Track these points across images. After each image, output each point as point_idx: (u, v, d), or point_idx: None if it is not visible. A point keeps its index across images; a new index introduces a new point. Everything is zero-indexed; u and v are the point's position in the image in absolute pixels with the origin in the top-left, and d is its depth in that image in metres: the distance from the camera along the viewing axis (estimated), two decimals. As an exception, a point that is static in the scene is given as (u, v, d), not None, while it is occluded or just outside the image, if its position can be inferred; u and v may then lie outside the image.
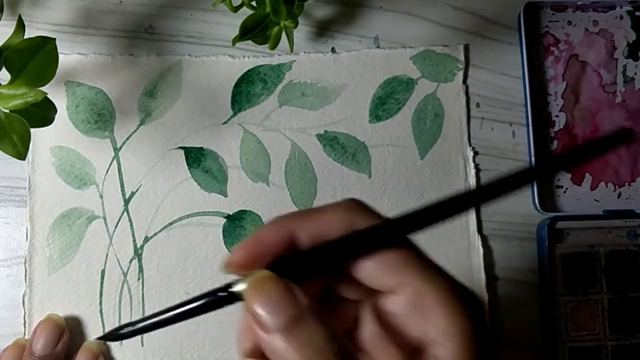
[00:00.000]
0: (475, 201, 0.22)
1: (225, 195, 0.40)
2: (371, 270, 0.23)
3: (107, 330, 0.38)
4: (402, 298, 0.23)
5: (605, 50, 0.43)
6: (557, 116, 0.43)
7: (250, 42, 0.35)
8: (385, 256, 0.23)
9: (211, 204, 0.40)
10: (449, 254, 0.40)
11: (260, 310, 0.21)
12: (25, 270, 0.39)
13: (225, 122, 0.41)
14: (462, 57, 0.42)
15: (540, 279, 0.41)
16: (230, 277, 0.23)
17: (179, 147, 0.40)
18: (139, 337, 0.39)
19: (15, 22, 0.34)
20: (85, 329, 0.39)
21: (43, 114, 0.34)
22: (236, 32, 0.34)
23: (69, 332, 0.38)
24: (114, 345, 0.39)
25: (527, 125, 0.42)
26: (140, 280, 0.39)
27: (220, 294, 0.22)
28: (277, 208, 0.40)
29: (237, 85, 0.41)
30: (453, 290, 0.23)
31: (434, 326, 0.22)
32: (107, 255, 0.39)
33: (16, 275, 0.39)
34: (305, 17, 0.41)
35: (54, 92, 0.39)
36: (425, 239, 0.40)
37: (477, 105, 0.42)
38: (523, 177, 0.22)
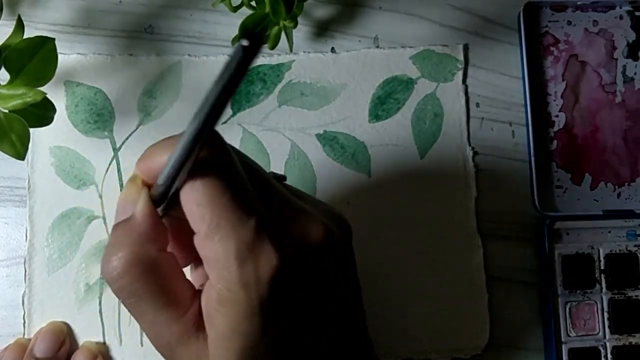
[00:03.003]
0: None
1: (225, 195, 0.40)
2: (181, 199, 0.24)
3: (107, 330, 0.38)
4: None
5: (605, 50, 0.43)
6: (557, 116, 0.43)
7: (249, 42, 0.35)
8: (191, 189, 0.23)
9: (211, 204, 0.40)
10: (449, 254, 0.40)
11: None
12: (25, 270, 0.39)
13: (224, 122, 0.41)
14: (461, 57, 0.42)
15: (540, 279, 0.41)
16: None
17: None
18: (138, 337, 0.39)
19: (14, 22, 0.34)
20: (84, 329, 0.39)
21: (42, 113, 0.34)
22: (236, 32, 0.34)
23: (70, 338, 0.38)
24: (113, 346, 0.39)
25: (527, 125, 0.41)
26: (140, 280, 0.39)
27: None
28: (277, 208, 0.40)
29: (237, 85, 0.41)
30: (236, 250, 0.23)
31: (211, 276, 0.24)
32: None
33: (15, 275, 0.39)
34: (305, 17, 0.41)
35: (53, 92, 0.39)
36: (425, 239, 0.40)
37: (477, 105, 0.42)
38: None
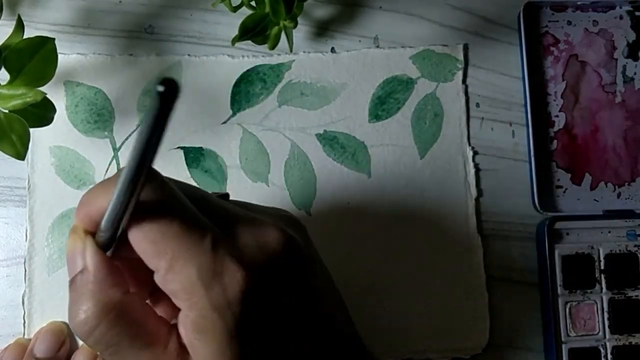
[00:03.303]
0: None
1: (225, 195, 0.40)
2: (133, 242, 0.24)
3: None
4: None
5: (605, 50, 0.43)
6: (557, 116, 0.43)
7: (249, 42, 0.35)
8: (143, 230, 0.23)
9: (211, 204, 0.40)
10: (448, 254, 0.40)
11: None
12: (25, 270, 0.39)
13: (224, 122, 0.41)
14: (461, 57, 0.42)
15: (540, 279, 0.41)
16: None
17: (178, 147, 0.40)
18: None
19: (14, 22, 0.34)
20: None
21: (42, 113, 0.34)
22: (236, 32, 0.34)
23: (70, 338, 0.38)
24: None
25: (527, 125, 0.41)
26: (140, 280, 0.39)
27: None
28: (277, 208, 0.40)
29: (237, 85, 0.41)
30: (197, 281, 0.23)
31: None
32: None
33: (16, 275, 0.39)
34: (305, 17, 0.41)
35: (53, 92, 0.39)
36: (425, 239, 0.40)
37: (477, 105, 0.42)
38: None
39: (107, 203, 0.23)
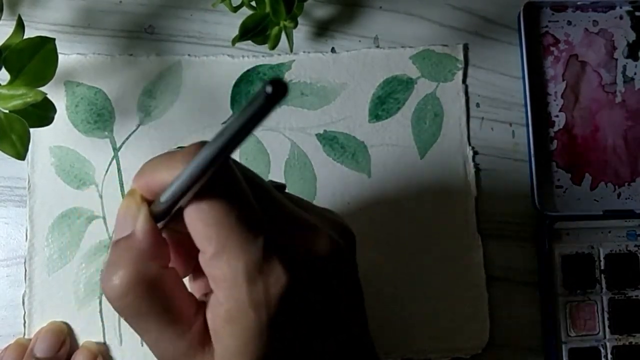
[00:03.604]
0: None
1: (225, 195, 0.40)
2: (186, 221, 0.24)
3: (107, 330, 0.38)
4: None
5: (605, 50, 0.43)
6: (557, 116, 0.43)
7: (250, 42, 0.35)
8: (196, 210, 0.23)
9: (211, 204, 0.40)
10: (448, 253, 0.40)
11: None
12: (25, 270, 0.39)
13: (224, 122, 0.41)
14: (461, 57, 0.42)
15: (540, 279, 0.41)
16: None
17: (178, 147, 0.40)
18: (138, 337, 0.39)
19: (14, 22, 0.34)
20: (84, 329, 0.39)
21: (42, 114, 0.34)
22: (236, 32, 0.34)
23: (70, 338, 0.38)
24: (113, 346, 0.39)
25: (527, 125, 0.41)
26: (140, 280, 0.39)
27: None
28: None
29: (237, 85, 0.41)
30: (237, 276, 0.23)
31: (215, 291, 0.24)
32: (107, 255, 0.39)
33: (16, 275, 0.39)
34: (305, 17, 0.41)
35: (54, 92, 0.39)
36: (425, 239, 0.40)
37: (477, 105, 0.42)
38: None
39: (170, 178, 0.23)
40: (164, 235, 0.25)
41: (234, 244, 0.23)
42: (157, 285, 0.24)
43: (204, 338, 0.25)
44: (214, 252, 0.23)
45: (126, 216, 0.25)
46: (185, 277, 0.28)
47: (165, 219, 0.25)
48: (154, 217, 0.24)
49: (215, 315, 0.24)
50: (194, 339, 0.24)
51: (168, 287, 0.25)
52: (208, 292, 0.25)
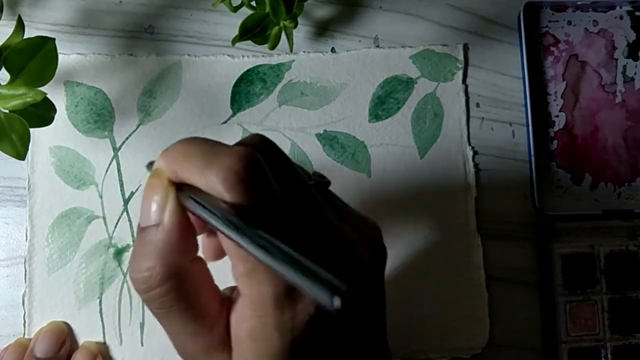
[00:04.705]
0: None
1: (225, 195, 0.40)
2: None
3: (107, 330, 0.38)
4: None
5: (605, 50, 0.43)
6: (557, 116, 0.43)
7: (249, 42, 0.35)
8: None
9: (211, 204, 0.40)
10: (448, 253, 0.40)
11: None
12: (25, 270, 0.39)
13: (224, 122, 0.41)
14: (461, 57, 0.42)
15: (540, 279, 0.41)
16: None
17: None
18: (138, 337, 0.39)
19: (14, 22, 0.34)
20: (84, 329, 0.39)
21: (42, 114, 0.34)
22: (236, 32, 0.34)
23: (70, 338, 0.38)
24: (113, 345, 0.39)
25: (527, 125, 0.41)
26: (140, 280, 0.39)
27: None
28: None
29: (237, 84, 0.41)
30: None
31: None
32: (106, 255, 0.39)
33: (16, 275, 0.39)
34: (305, 17, 0.41)
35: (54, 92, 0.39)
36: (425, 239, 0.40)
37: (477, 105, 0.42)
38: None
39: (202, 186, 0.22)
40: (192, 222, 0.24)
41: (265, 269, 0.22)
42: (185, 280, 0.24)
43: (225, 339, 0.24)
44: (245, 272, 0.23)
45: (152, 201, 0.24)
46: (201, 234, 0.27)
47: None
48: (182, 206, 0.23)
49: (239, 325, 0.24)
50: (214, 339, 0.24)
51: (195, 281, 0.24)
52: (235, 290, 0.25)
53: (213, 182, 0.22)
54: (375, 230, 0.28)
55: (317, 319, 0.23)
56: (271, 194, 0.23)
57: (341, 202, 0.29)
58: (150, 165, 0.25)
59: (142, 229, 0.24)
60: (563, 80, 0.43)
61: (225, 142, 0.40)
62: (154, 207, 0.23)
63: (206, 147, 0.24)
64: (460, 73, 0.42)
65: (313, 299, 0.19)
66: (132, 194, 0.40)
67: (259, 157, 0.23)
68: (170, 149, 0.24)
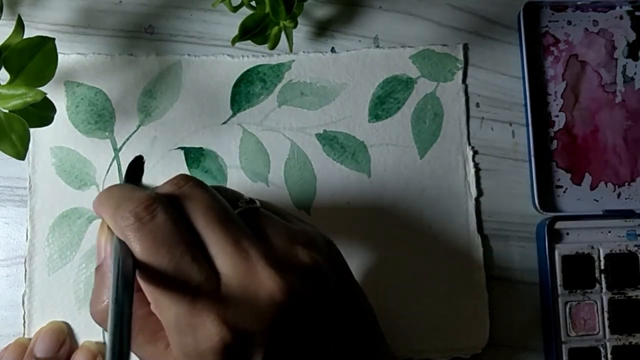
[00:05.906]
0: None
1: (225, 195, 0.40)
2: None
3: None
4: None
5: (605, 50, 0.43)
6: (557, 116, 0.43)
7: (249, 42, 0.35)
8: None
9: (211, 204, 0.40)
10: (448, 253, 0.40)
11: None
12: (25, 270, 0.39)
13: (224, 122, 0.41)
14: (461, 57, 0.42)
15: (540, 279, 0.41)
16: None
17: (178, 148, 0.40)
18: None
19: (14, 22, 0.34)
20: (84, 329, 0.39)
21: (42, 114, 0.34)
22: (236, 32, 0.34)
23: (70, 338, 0.38)
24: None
25: (527, 125, 0.41)
26: (140, 280, 0.39)
27: None
28: (277, 208, 0.40)
29: (237, 85, 0.41)
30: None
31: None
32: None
33: (16, 275, 0.39)
34: (305, 17, 0.41)
35: (54, 92, 0.39)
36: (425, 239, 0.40)
37: (477, 105, 0.42)
38: None
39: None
40: None
41: (164, 300, 0.25)
42: (139, 308, 0.27)
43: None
44: (152, 302, 0.26)
45: (99, 245, 0.29)
46: None
47: None
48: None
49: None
50: (170, 357, 0.27)
51: (144, 308, 0.27)
52: None
53: (120, 227, 0.26)
54: (313, 234, 0.30)
55: (229, 347, 0.24)
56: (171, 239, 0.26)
57: (277, 209, 0.31)
58: (127, 173, 0.32)
59: (96, 269, 0.28)
60: (563, 80, 0.43)
61: (225, 142, 0.40)
62: (101, 249, 0.28)
63: (118, 194, 0.28)
64: (460, 73, 0.42)
65: None
66: (132, 194, 0.40)
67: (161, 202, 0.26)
68: (98, 194, 0.29)
